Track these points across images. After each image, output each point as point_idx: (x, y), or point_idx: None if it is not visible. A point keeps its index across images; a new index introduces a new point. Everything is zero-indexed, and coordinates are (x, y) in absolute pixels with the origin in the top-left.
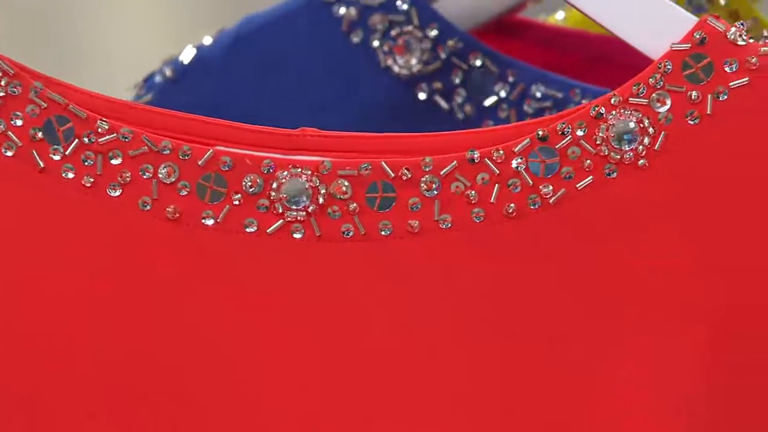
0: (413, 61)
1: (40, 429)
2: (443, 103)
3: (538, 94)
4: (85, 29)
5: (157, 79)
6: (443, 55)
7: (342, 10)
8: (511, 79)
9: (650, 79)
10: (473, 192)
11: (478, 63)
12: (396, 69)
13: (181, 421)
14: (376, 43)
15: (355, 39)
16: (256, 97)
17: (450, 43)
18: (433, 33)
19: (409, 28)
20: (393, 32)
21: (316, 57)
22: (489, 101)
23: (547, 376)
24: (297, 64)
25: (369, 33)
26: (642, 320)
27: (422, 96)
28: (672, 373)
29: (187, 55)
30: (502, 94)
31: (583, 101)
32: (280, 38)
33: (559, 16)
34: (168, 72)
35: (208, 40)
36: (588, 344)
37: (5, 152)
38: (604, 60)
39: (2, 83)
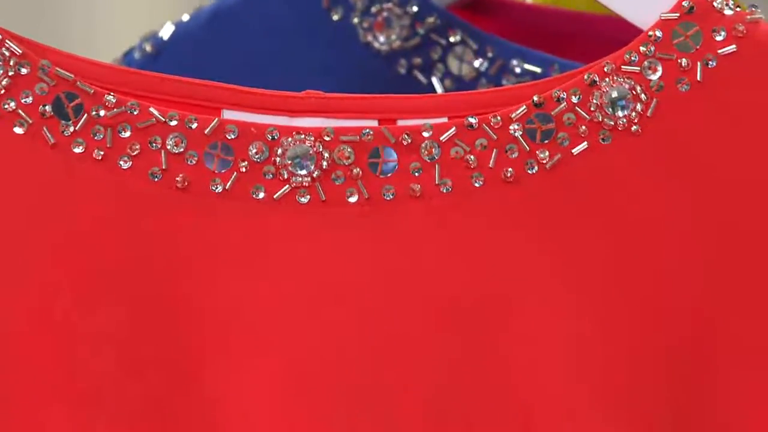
0: (393, 37)
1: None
2: (422, 78)
3: (517, 70)
4: (66, 6)
5: (136, 54)
6: (422, 32)
7: None
8: (490, 54)
9: (641, 48)
10: (472, 157)
11: (457, 39)
12: (376, 45)
13: (186, 383)
14: (356, 20)
15: (336, 16)
16: (234, 73)
17: (429, 19)
18: (413, 10)
19: (389, 5)
20: (373, 9)
21: (297, 33)
22: (468, 76)
23: (536, 330)
24: (276, 40)
25: (349, 9)
26: (634, 281)
27: (402, 71)
28: (661, 331)
29: (167, 31)
30: (482, 69)
31: None
32: (259, 15)
33: None
34: (148, 47)
35: (186, 18)
36: (580, 304)
37: (17, 130)
38: (578, 36)
39: (11, 63)
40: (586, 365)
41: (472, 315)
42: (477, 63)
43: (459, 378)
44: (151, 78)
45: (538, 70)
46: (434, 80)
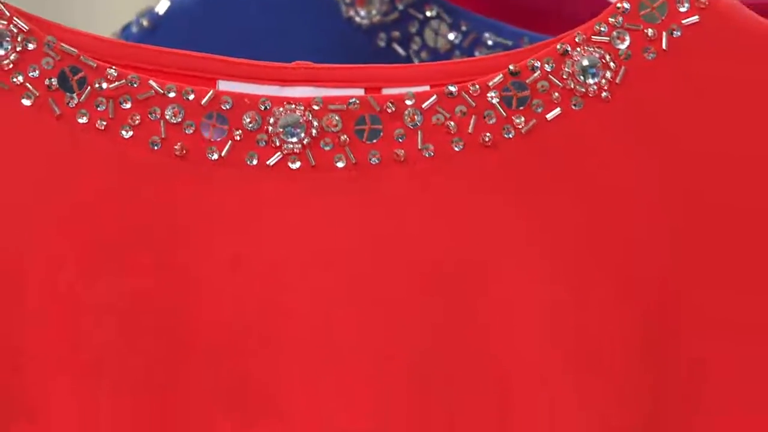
0: (373, 12)
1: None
2: (401, 50)
3: (490, 42)
4: None
5: (134, 29)
6: (400, 7)
7: None
8: (463, 28)
9: (610, 19)
10: (452, 123)
11: (433, 13)
12: (357, 19)
13: (187, 351)
14: None
15: None
16: (228, 47)
17: None
18: None
19: None
20: None
21: (286, 10)
22: (443, 48)
23: (512, 293)
24: (267, 17)
25: None
26: (604, 245)
27: (381, 44)
28: (632, 296)
29: (162, 7)
30: (456, 41)
31: None
32: None
33: None
34: (144, 22)
35: None
36: (554, 268)
37: (24, 102)
38: (547, 12)
39: (18, 39)
40: (560, 330)
41: (452, 278)
42: (451, 36)
43: (441, 341)
44: (150, 51)
45: (509, 42)
46: (410, 53)
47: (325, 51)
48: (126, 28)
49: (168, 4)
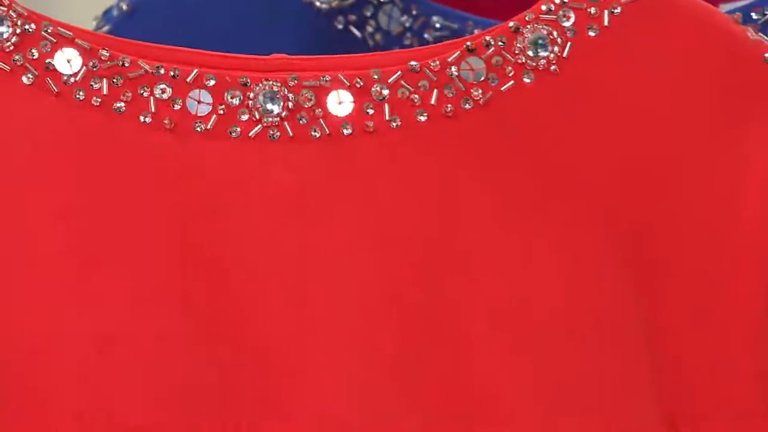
0: None
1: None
2: (357, 33)
3: (437, 25)
4: None
5: (114, 12)
6: None
7: None
8: (414, 12)
9: (557, 0)
10: (416, 96)
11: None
12: (317, 4)
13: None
14: None
15: None
16: (197, 31)
17: None
18: None
19: None
20: None
21: (251, 2)
22: (396, 30)
23: (476, 253)
24: (232, 10)
25: None
26: (555, 208)
27: (339, 26)
28: (579, 256)
29: None
30: (407, 24)
31: (475, 31)
32: None
33: None
34: (124, 6)
35: None
36: (508, 228)
37: (24, 80)
38: (509, 2)
39: (18, 23)
40: (522, 300)
41: (421, 241)
42: (403, 19)
43: (416, 309)
44: (136, 45)
45: (455, 26)
46: (366, 35)
47: (287, 34)
48: (107, 12)
49: None
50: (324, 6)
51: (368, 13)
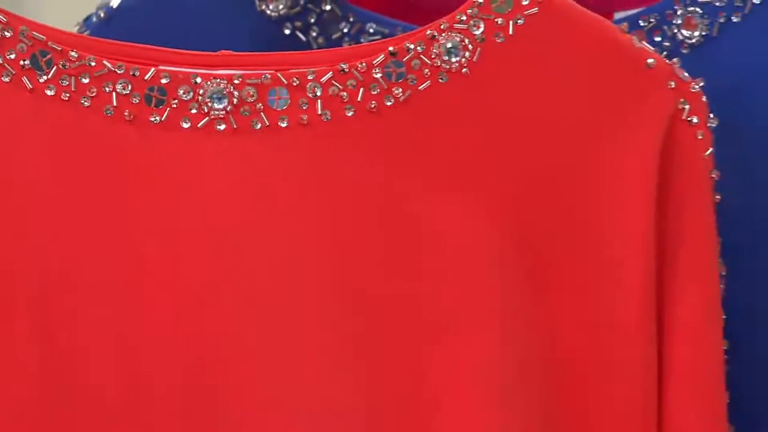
0: (280, 6)
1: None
2: (302, 37)
3: (371, 30)
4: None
5: (94, 19)
6: (302, 2)
7: None
8: (351, 19)
9: (468, 11)
10: (345, 94)
11: (328, 8)
12: (268, 12)
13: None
14: None
15: None
16: (164, 35)
17: None
18: None
19: None
20: None
21: (212, 6)
22: (335, 35)
23: (396, 237)
24: (195, 10)
25: None
26: (468, 194)
27: (287, 32)
28: (482, 243)
29: (116, 2)
30: (345, 30)
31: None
32: None
33: None
34: (101, 14)
35: None
36: (421, 208)
37: (4, 78)
38: (417, 7)
39: None
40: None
41: (350, 220)
42: (342, 25)
43: (356, 285)
44: (104, 43)
45: (386, 30)
46: (309, 39)
47: (243, 38)
48: (88, 19)
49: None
50: (274, 14)
51: (312, 20)
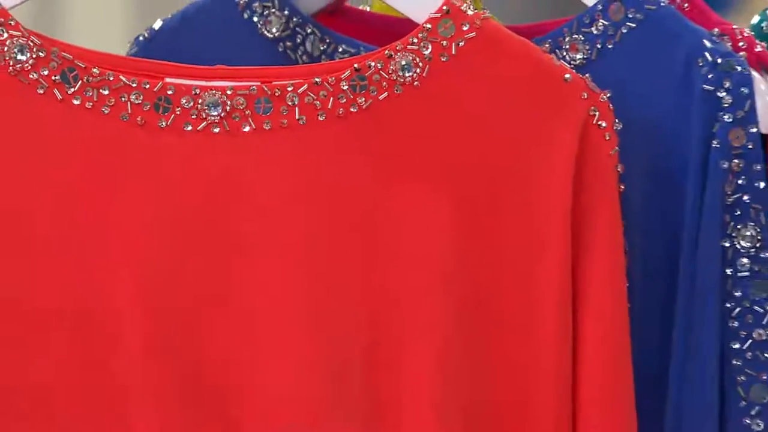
0: (275, 30)
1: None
2: (291, 55)
3: (341, 50)
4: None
5: (140, 38)
6: (291, 27)
7: (241, 0)
8: (328, 41)
9: (419, 34)
10: (318, 102)
11: (309, 31)
12: (267, 34)
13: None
14: (256, 19)
15: (245, 16)
16: (190, 51)
17: (294, 19)
18: (286, 13)
19: (274, 10)
20: (265, 12)
21: (223, 28)
22: (316, 53)
23: (360, 231)
24: (213, 32)
25: (252, 13)
26: (408, 183)
27: (280, 50)
28: (432, 221)
29: (157, 25)
30: (323, 48)
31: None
32: (204, 19)
33: (366, 6)
34: (146, 34)
35: (169, 17)
36: (379, 195)
37: (38, 90)
38: (387, 32)
39: (34, 50)
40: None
41: (323, 202)
42: (321, 46)
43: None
44: (122, 59)
45: (353, 50)
46: (297, 56)
47: (247, 54)
48: (137, 38)
49: (161, 23)
50: (270, 36)
51: (299, 41)
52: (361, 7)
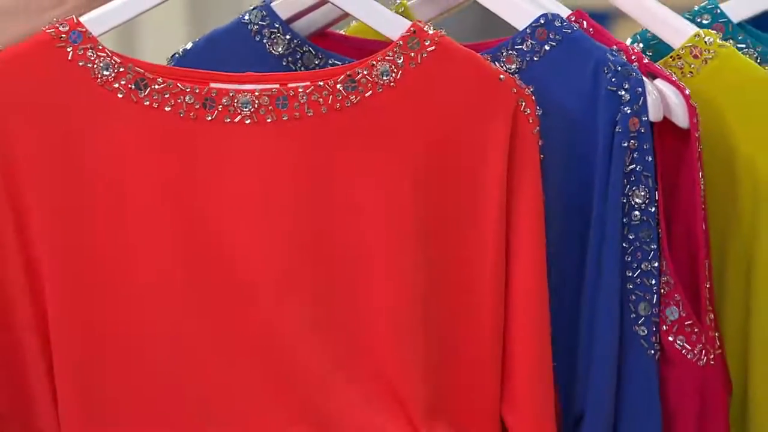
0: (280, 49)
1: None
2: (293, 68)
3: (330, 62)
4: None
5: (176, 55)
6: (293, 46)
7: (253, 27)
8: (320, 56)
9: (394, 48)
10: (321, 99)
11: (306, 49)
12: (273, 52)
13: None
14: (265, 41)
15: (257, 39)
16: (215, 65)
17: (295, 41)
18: (288, 37)
19: (279, 34)
20: (272, 36)
21: (242, 47)
22: (311, 66)
23: (341, 216)
24: (232, 51)
25: (262, 36)
26: (382, 156)
27: (284, 64)
28: (403, 197)
29: (188, 46)
30: (317, 62)
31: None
32: (225, 39)
33: (343, 30)
34: (180, 52)
35: (198, 38)
36: (361, 168)
37: (119, 95)
38: (361, 49)
39: (116, 66)
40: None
41: (320, 174)
42: (316, 60)
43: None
44: (178, 70)
45: (339, 63)
46: (297, 68)
47: (258, 66)
48: (173, 55)
49: (191, 44)
50: (276, 53)
51: (298, 56)
52: (341, 31)
